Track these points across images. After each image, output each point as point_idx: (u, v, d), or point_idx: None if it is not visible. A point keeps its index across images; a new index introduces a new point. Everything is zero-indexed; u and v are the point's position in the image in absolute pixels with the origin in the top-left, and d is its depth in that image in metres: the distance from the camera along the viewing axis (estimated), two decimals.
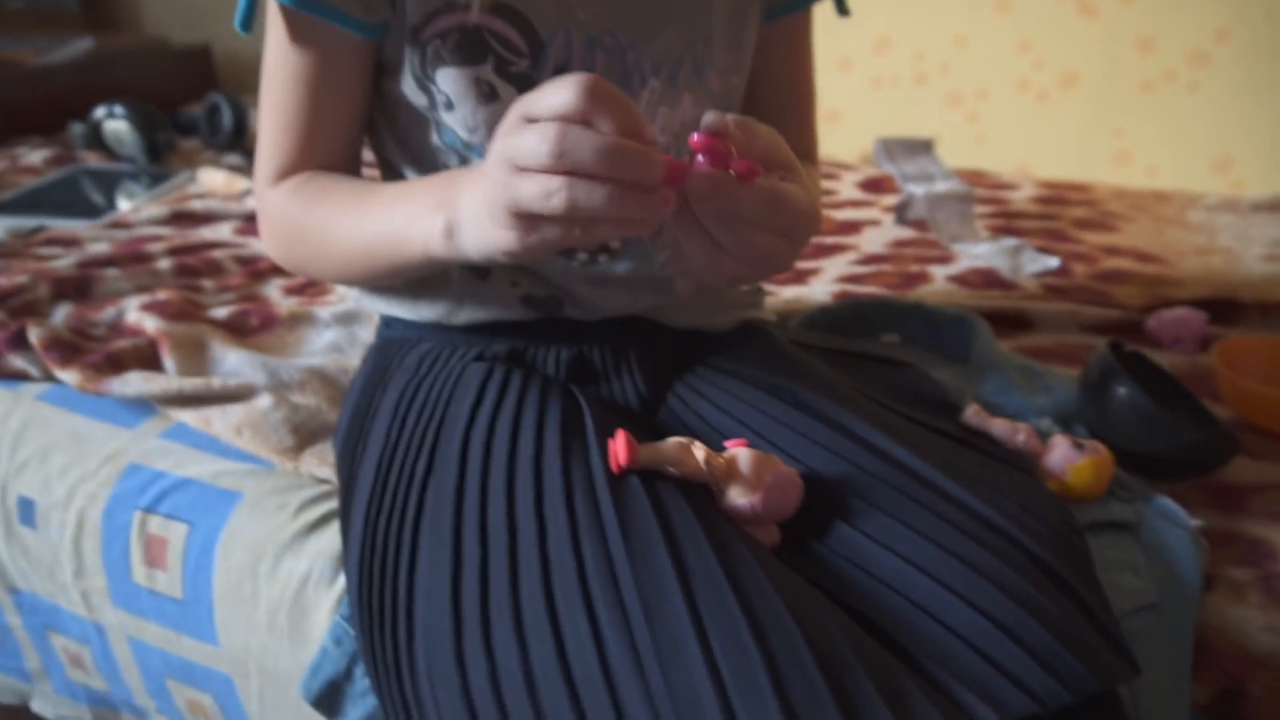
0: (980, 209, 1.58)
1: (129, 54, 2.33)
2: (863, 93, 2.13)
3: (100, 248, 1.34)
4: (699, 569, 0.49)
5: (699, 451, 0.56)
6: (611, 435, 0.57)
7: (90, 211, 1.53)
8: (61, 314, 1.12)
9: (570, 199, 0.45)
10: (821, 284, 1.27)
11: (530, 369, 0.70)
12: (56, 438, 0.93)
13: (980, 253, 1.38)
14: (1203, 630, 0.66)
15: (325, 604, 0.76)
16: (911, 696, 0.45)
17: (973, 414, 0.75)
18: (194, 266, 1.29)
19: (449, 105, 0.66)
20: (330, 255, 0.67)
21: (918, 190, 1.51)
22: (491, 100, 0.65)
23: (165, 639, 0.85)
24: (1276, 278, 1.30)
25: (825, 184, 1.76)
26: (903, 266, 1.34)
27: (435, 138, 0.69)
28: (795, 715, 0.43)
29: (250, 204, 1.55)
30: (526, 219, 0.47)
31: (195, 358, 1.01)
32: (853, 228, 1.53)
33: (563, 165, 0.44)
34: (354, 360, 1.03)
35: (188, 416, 0.91)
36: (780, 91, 0.81)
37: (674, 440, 0.57)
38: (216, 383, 0.93)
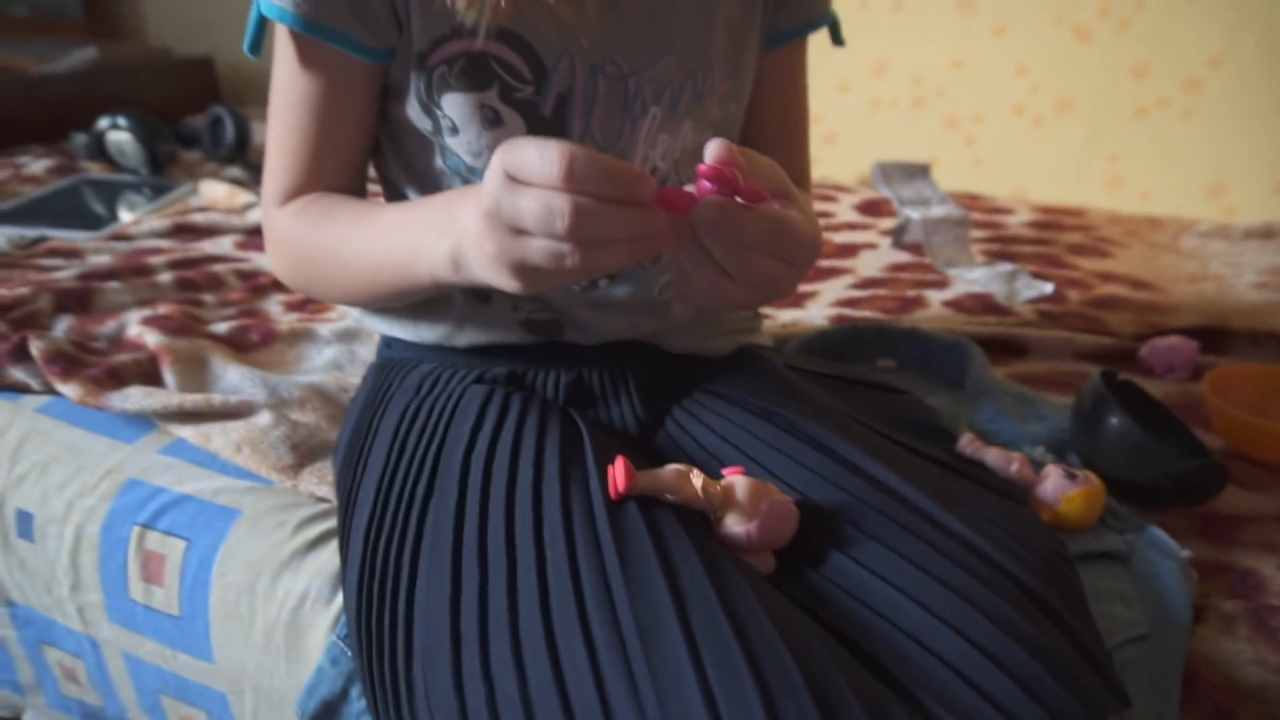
0: (976, 233, 1.59)
1: (132, 64, 2.34)
2: (860, 115, 2.15)
3: (102, 259, 1.34)
4: (695, 596, 0.50)
5: (696, 479, 0.57)
6: (610, 460, 0.58)
7: (92, 222, 1.54)
8: (62, 326, 1.12)
9: (584, 261, 0.46)
10: (818, 307, 1.29)
11: (530, 392, 0.71)
12: (56, 451, 0.93)
13: (976, 278, 1.39)
14: (1192, 661, 0.66)
15: (322, 623, 0.76)
16: None
17: (967, 443, 0.76)
18: (195, 280, 1.30)
19: (454, 130, 0.67)
20: (336, 278, 0.68)
21: (914, 214, 1.52)
22: (496, 125, 0.66)
23: (161, 655, 0.85)
24: (1267, 306, 1.32)
25: (822, 206, 1.78)
26: (899, 291, 1.35)
27: (439, 161, 0.70)
28: None
29: (252, 217, 1.56)
30: (533, 271, 0.48)
31: (195, 373, 1.01)
32: (850, 251, 1.55)
33: (575, 237, 0.46)
34: (354, 378, 1.03)
35: (187, 432, 0.92)
36: (775, 117, 0.82)
37: (672, 467, 0.58)
38: (217, 399, 0.94)
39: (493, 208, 0.48)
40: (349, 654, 0.72)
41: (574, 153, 0.45)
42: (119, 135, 1.81)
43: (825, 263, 1.48)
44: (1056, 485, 0.75)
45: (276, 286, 1.31)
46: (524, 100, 0.65)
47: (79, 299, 1.19)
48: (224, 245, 1.47)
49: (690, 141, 0.73)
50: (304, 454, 0.88)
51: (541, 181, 0.46)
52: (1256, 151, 1.86)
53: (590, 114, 0.67)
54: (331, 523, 0.82)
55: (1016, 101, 2.01)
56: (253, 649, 0.79)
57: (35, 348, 1.00)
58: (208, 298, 1.26)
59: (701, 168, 0.48)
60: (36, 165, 1.83)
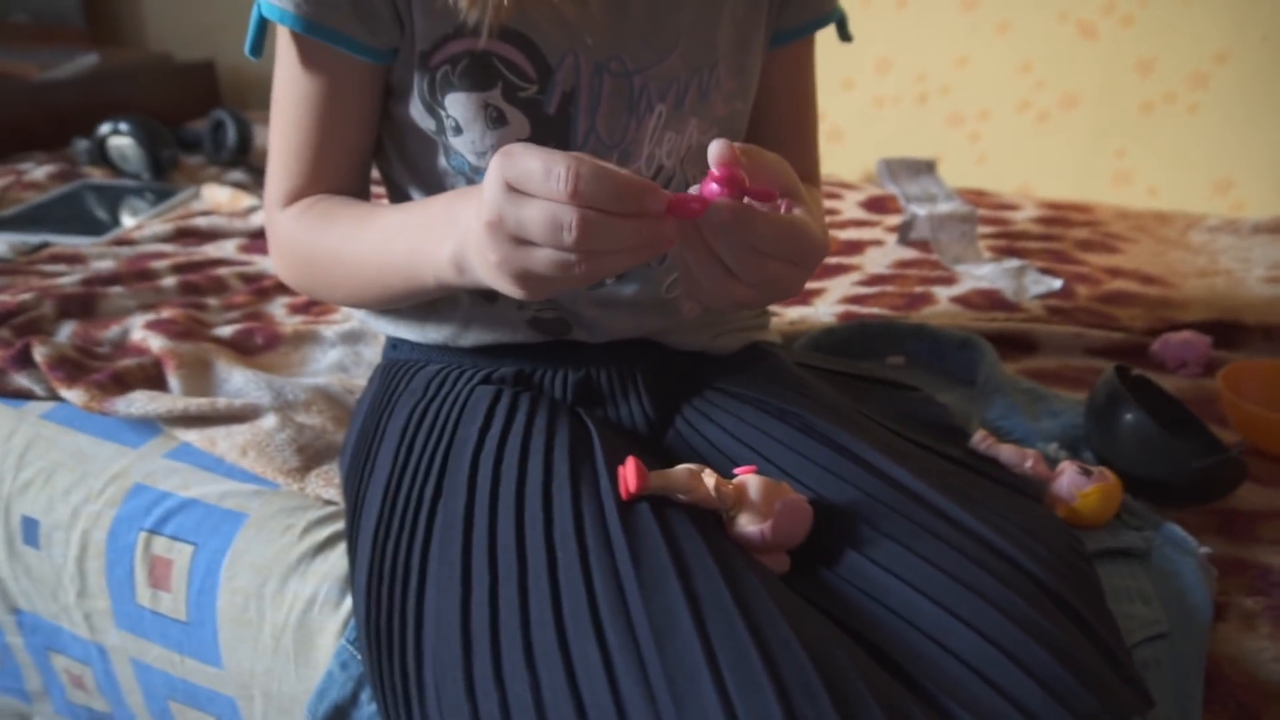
0: (982, 229, 1.58)
1: (133, 69, 2.34)
2: (865, 112, 2.14)
3: (105, 265, 1.34)
4: (709, 598, 0.49)
5: (709, 479, 0.56)
6: (619, 460, 0.57)
7: (94, 228, 1.53)
8: (66, 332, 1.12)
9: (590, 270, 0.47)
10: (825, 304, 1.28)
11: (537, 392, 0.70)
12: (61, 457, 0.93)
13: (983, 274, 1.38)
14: (1214, 660, 0.65)
15: (331, 627, 0.75)
16: None
17: (981, 439, 0.75)
18: (198, 284, 1.29)
19: (457, 129, 0.66)
20: (340, 280, 0.67)
21: (921, 211, 1.52)
22: (500, 125, 0.65)
23: (169, 661, 0.84)
24: (1279, 300, 1.31)
25: (828, 204, 1.77)
26: (906, 287, 1.34)
27: (443, 160, 0.69)
28: None
29: (255, 220, 1.56)
30: (538, 279, 0.48)
31: (200, 377, 1.01)
32: (856, 248, 1.54)
33: (582, 248, 0.46)
34: (359, 379, 1.03)
35: (193, 437, 0.91)
36: (783, 114, 0.81)
37: (683, 467, 0.57)
38: (222, 403, 0.93)
39: (495, 218, 0.47)
40: (359, 658, 0.72)
41: (579, 167, 0.45)
42: (121, 140, 1.80)
43: (832, 260, 1.48)
44: (1072, 482, 0.74)
45: (280, 289, 1.31)
46: (528, 99, 0.65)
47: (82, 304, 1.18)
48: (227, 249, 1.46)
49: (695, 139, 0.72)
50: (310, 456, 0.88)
51: (546, 195, 0.46)
52: (1264, 146, 1.85)
53: (595, 112, 0.67)
54: (339, 525, 0.81)
55: (1021, 98, 2.00)
56: (261, 653, 0.78)
57: (39, 354, 1.00)
58: (211, 301, 1.26)
59: (712, 172, 0.48)
60: (39, 171, 1.83)
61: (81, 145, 1.89)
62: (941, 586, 0.54)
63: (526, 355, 0.74)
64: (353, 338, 1.13)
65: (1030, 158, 2.03)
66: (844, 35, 0.81)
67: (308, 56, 0.65)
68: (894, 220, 1.65)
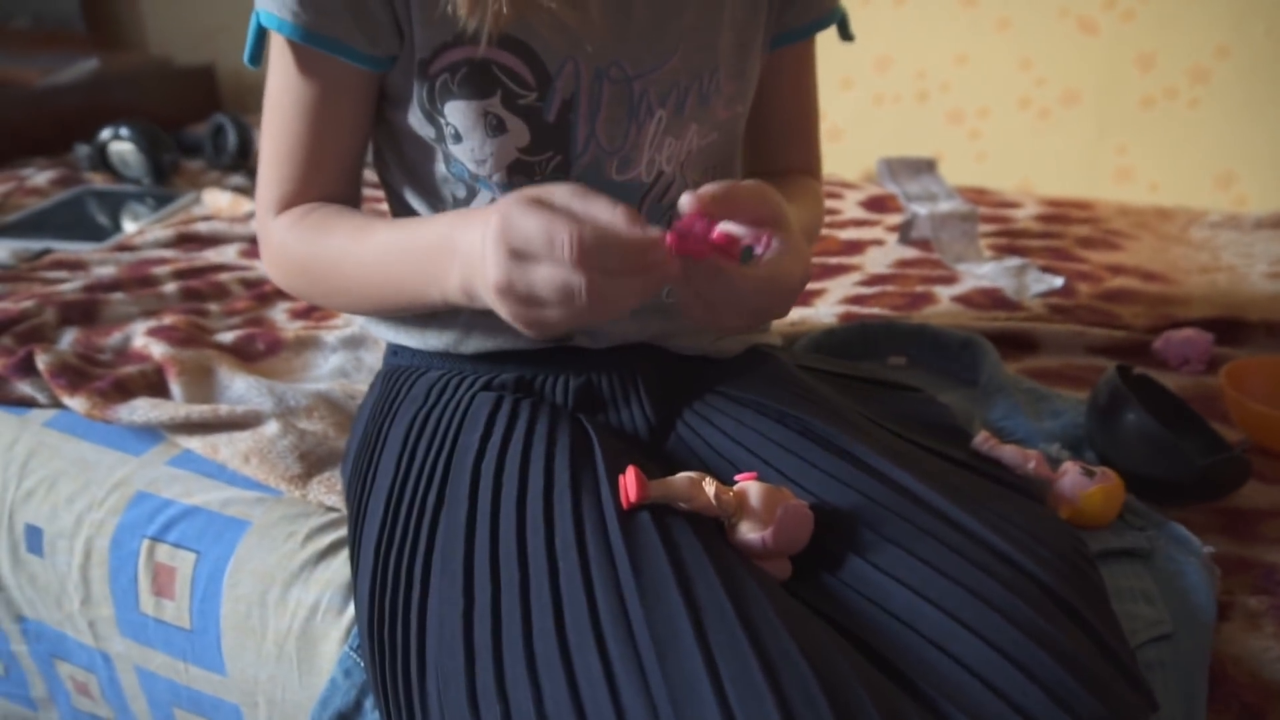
0: (983, 227, 1.58)
1: (133, 74, 2.35)
2: (864, 111, 2.13)
3: (106, 271, 1.34)
4: (710, 607, 0.49)
5: (709, 487, 0.56)
6: (621, 467, 0.57)
7: (96, 233, 1.54)
8: (68, 339, 1.12)
9: (601, 315, 0.50)
10: (826, 305, 1.28)
11: (538, 398, 0.70)
12: (64, 465, 0.93)
13: (985, 273, 1.38)
14: (1218, 660, 0.65)
15: (334, 634, 0.75)
16: None
17: (983, 440, 0.75)
18: (200, 290, 1.29)
19: (457, 137, 0.66)
20: (338, 292, 0.68)
21: (921, 210, 1.51)
22: (500, 133, 0.65)
23: (173, 668, 0.85)
24: None
25: (828, 203, 1.76)
26: (908, 287, 1.34)
27: (442, 167, 0.69)
28: None
29: (255, 226, 1.56)
30: (552, 326, 0.52)
31: (202, 384, 1.01)
32: (857, 247, 1.53)
33: (595, 306, 0.49)
34: (361, 385, 1.03)
35: (195, 444, 0.91)
36: (785, 112, 0.82)
37: (684, 475, 0.57)
38: (224, 409, 0.93)
39: (504, 284, 0.50)
40: (362, 665, 0.72)
41: (581, 233, 0.47)
42: (121, 146, 1.81)
43: (833, 259, 1.48)
44: (1074, 482, 0.74)
45: (281, 295, 1.31)
46: (527, 106, 0.65)
47: (84, 311, 1.19)
48: (228, 254, 1.46)
49: (696, 143, 0.72)
50: (312, 463, 0.88)
51: (551, 259, 0.48)
52: (1266, 141, 1.84)
53: (595, 119, 0.66)
54: (342, 532, 0.81)
55: (1022, 95, 1.99)
56: (265, 661, 0.78)
57: (41, 361, 1.00)
58: (213, 307, 1.26)
59: (671, 234, 0.51)
60: (39, 177, 1.83)
61: (82, 151, 1.89)
62: (944, 591, 0.54)
63: (528, 361, 0.74)
64: (354, 343, 1.13)
65: (1031, 155, 2.03)
66: (845, 35, 0.81)
67: (303, 63, 0.65)
68: (894, 219, 1.65)
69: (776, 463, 0.65)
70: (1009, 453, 0.75)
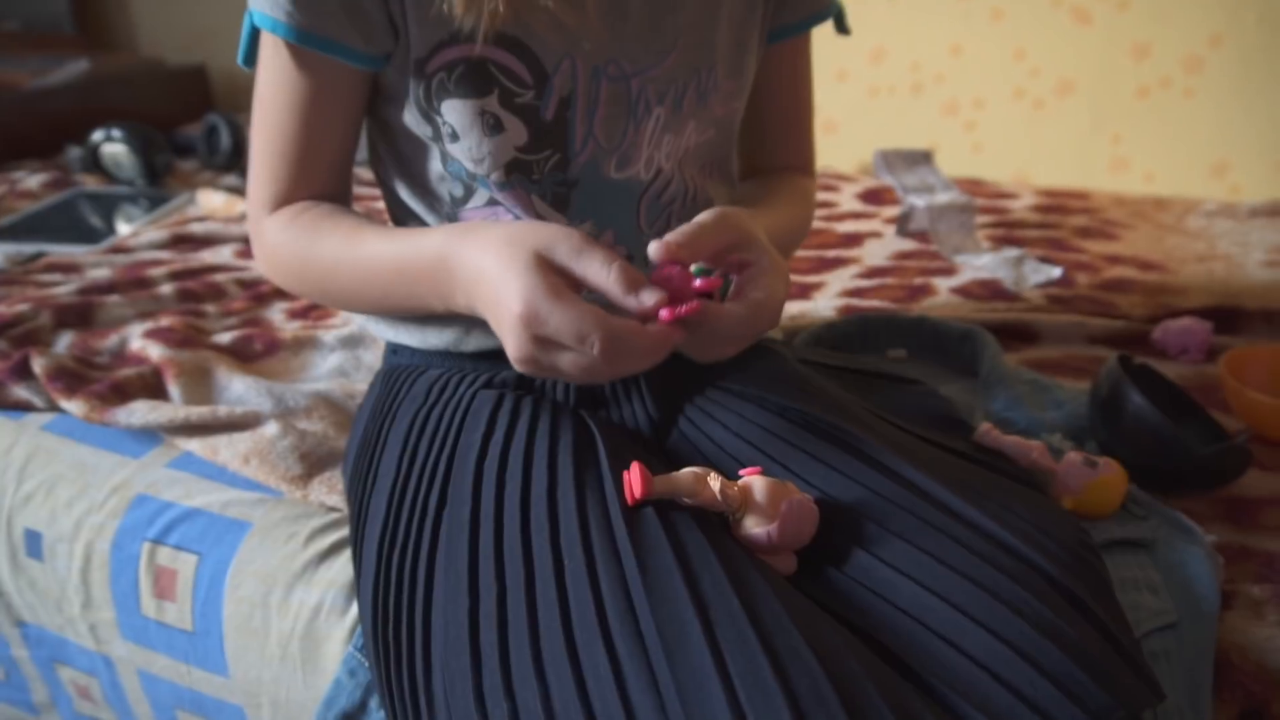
0: (980, 219, 1.58)
1: (125, 76, 2.33)
2: (859, 103, 2.13)
3: (101, 273, 1.33)
4: (717, 603, 0.49)
5: (714, 482, 0.56)
6: (625, 463, 0.57)
7: (89, 236, 1.53)
8: (64, 342, 1.11)
9: (615, 375, 0.55)
10: (825, 298, 1.27)
11: (540, 395, 0.70)
12: (62, 469, 0.92)
13: (983, 264, 1.38)
14: (1223, 649, 0.65)
15: (338, 635, 0.75)
16: None
17: (985, 432, 0.75)
18: (196, 291, 1.29)
19: (454, 136, 0.65)
20: (336, 295, 0.69)
21: (919, 202, 1.51)
22: (497, 132, 0.65)
23: (175, 671, 0.84)
24: (1278, 284, 1.30)
25: (825, 196, 1.76)
26: (906, 279, 1.34)
27: (439, 166, 0.69)
28: None
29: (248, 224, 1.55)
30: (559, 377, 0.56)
31: (200, 385, 1.00)
32: (854, 240, 1.53)
33: (609, 378, 0.55)
34: (360, 384, 1.02)
35: (195, 445, 0.91)
36: (780, 107, 0.82)
37: (688, 470, 0.57)
38: (223, 411, 0.93)
39: (528, 359, 0.54)
40: (366, 665, 0.71)
41: (608, 333, 0.51)
42: (114, 147, 1.80)
43: (831, 253, 1.47)
44: (1077, 472, 0.74)
45: (278, 295, 1.30)
46: (525, 105, 0.64)
47: (80, 314, 1.18)
48: (224, 254, 1.46)
49: (694, 140, 0.72)
50: (313, 463, 0.88)
51: (578, 351, 0.53)
52: (1260, 129, 1.84)
53: (592, 117, 0.66)
54: (343, 532, 0.81)
55: (1017, 85, 1.99)
56: (268, 662, 0.78)
57: (38, 365, 1.00)
58: (209, 308, 1.25)
59: (668, 310, 0.54)
60: (32, 180, 1.82)
61: (75, 153, 1.88)
62: (951, 584, 0.53)
63: None
64: (353, 342, 1.13)
65: (1026, 145, 2.03)
66: (842, 29, 0.80)
67: (297, 62, 0.64)
68: (892, 212, 1.65)
69: (780, 457, 0.65)
70: (1012, 444, 0.74)
